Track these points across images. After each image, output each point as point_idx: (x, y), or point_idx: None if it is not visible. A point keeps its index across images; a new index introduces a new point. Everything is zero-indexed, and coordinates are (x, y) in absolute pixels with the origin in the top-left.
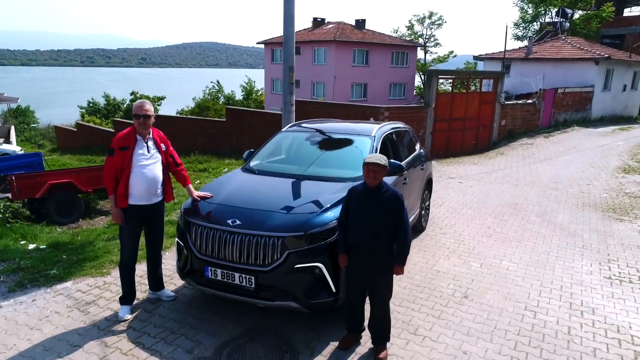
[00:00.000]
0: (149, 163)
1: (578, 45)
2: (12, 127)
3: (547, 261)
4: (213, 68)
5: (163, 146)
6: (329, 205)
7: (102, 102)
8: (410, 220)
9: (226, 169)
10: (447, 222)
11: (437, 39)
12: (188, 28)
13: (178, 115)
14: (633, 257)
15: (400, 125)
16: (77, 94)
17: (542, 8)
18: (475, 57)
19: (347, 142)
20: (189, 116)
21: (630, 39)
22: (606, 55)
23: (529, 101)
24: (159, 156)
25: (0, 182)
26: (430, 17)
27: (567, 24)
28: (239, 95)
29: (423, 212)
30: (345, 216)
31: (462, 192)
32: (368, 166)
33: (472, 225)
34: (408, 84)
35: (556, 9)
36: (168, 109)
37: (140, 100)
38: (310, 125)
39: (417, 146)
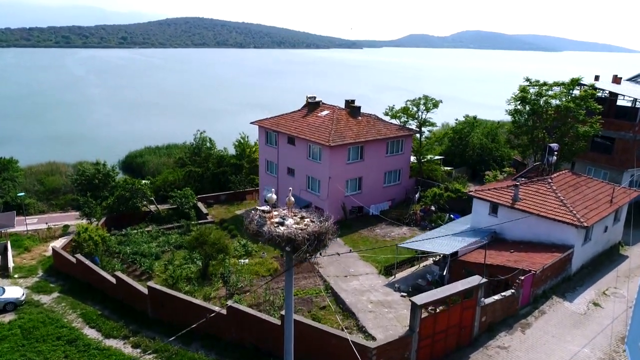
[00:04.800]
0: None
1: (562, 197)
2: (9, 242)
3: None
4: (199, 47)
5: None
6: None
7: (91, 169)
8: None
9: None
10: None
11: (432, 121)
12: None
13: (181, 296)
14: None
15: None
16: (54, 102)
17: (531, 120)
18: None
19: None
20: (193, 300)
21: (620, 144)
22: (585, 225)
23: (508, 293)
24: None
25: None
26: (425, 102)
27: (554, 159)
28: (231, 149)
29: None
30: None
31: None
32: None
33: None
34: (403, 168)
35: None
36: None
37: None
38: None
39: None
